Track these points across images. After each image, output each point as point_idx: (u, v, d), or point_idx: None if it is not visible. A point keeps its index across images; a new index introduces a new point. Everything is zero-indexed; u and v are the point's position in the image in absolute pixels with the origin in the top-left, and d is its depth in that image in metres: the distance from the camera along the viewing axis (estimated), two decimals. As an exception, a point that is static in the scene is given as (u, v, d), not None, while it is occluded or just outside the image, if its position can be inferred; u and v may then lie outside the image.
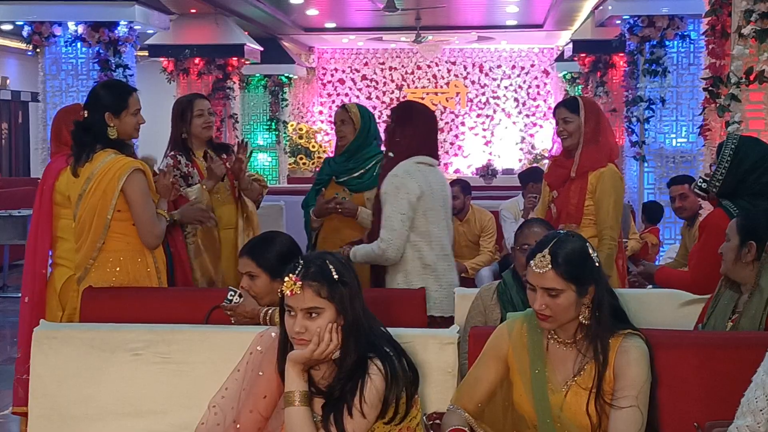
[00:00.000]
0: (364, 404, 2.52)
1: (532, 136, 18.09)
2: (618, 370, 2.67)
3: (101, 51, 9.56)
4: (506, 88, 18.20)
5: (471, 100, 18.27)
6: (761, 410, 2.41)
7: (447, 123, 18.06)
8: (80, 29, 9.57)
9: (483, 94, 18.22)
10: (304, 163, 16.68)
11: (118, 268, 3.93)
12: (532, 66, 18.18)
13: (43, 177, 4.36)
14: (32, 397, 3.24)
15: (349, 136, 4.90)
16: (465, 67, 18.25)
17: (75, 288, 3.99)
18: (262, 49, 13.23)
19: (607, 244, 4.41)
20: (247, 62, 12.83)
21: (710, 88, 5.99)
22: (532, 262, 2.70)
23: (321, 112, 18.17)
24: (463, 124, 18.21)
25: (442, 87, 18.30)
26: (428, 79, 18.34)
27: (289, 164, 16.44)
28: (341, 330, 2.56)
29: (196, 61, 12.35)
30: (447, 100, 18.18)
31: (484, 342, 2.87)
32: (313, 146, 16.98)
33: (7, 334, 7.89)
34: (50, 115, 9.37)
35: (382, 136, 4.57)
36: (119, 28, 9.56)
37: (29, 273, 4.27)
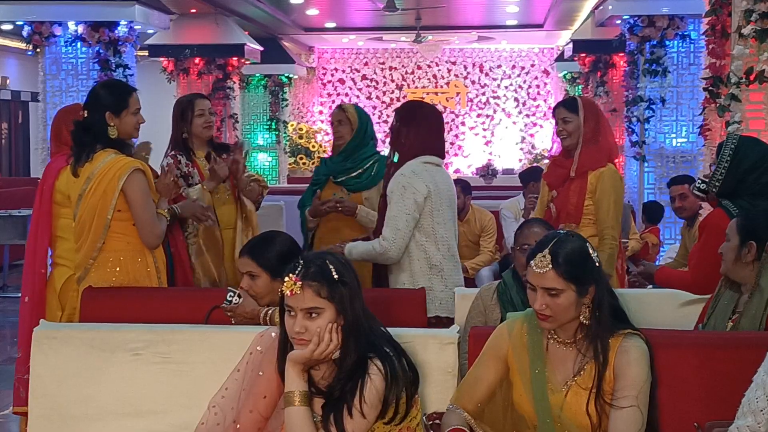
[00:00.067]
0: (363, 404, 2.52)
1: (532, 136, 18.09)
2: (618, 370, 2.67)
3: (101, 51, 9.56)
4: (506, 88, 18.20)
5: (471, 100, 18.28)
6: (762, 410, 2.40)
7: (447, 123, 18.00)
8: (80, 29, 9.56)
9: (483, 94, 18.22)
10: (304, 163, 16.68)
11: (118, 268, 3.93)
12: (532, 66, 18.18)
13: (43, 177, 4.36)
14: (32, 397, 3.24)
15: (347, 137, 4.91)
16: (465, 67, 18.25)
17: (75, 288, 3.99)
18: (262, 49, 13.23)
19: (609, 244, 4.41)
20: (247, 62, 12.83)
21: (710, 88, 5.99)
22: (532, 261, 2.70)
23: (321, 112, 18.16)
24: (463, 124, 18.22)
25: (442, 87, 18.30)
26: (428, 79, 18.34)
27: (289, 164, 16.45)
28: (341, 330, 2.56)
29: (196, 61, 12.35)
30: (447, 100, 18.17)
31: (484, 342, 2.87)
32: (313, 146, 16.98)
33: (7, 334, 7.89)
34: (50, 115, 9.37)
35: (380, 135, 4.56)
36: (119, 28, 9.55)
37: (29, 273, 4.27)
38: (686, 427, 2.83)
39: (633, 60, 9.76)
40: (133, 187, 3.88)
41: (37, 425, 3.22)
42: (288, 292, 2.53)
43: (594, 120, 4.52)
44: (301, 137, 17.01)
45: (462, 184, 6.82)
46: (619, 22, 9.96)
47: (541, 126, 18.00)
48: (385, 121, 17.89)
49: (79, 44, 9.64)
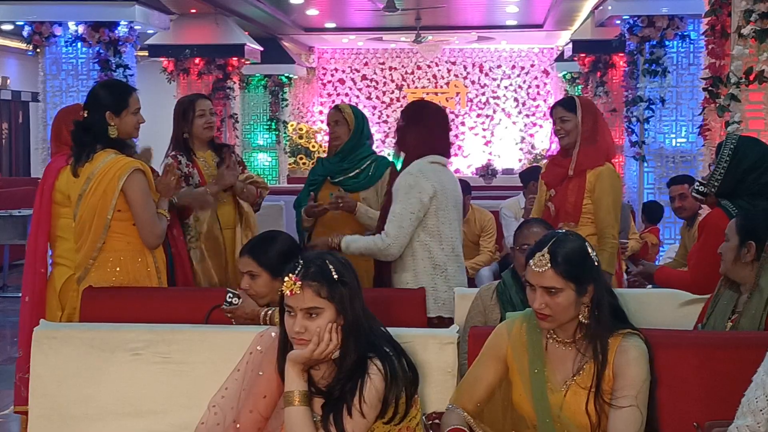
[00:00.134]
0: (363, 404, 2.52)
1: (532, 136, 18.09)
2: (617, 369, 2.67)
3: (101, 51, 9.56)
4: (506, 88, 18.20)
5: (471, 100, 18.28)
6: (761, 410, 2.41)
7: (447, 123, 18.04)
8: (80, 29, 9.56)
9: (483, 94, 18.22)
10: (304, 163, 16.67)
11: (118, 268, 3.94)
12: (532, 66, 18.18)
13: (43, 176, 4.37)
14: (32, 397, 3.24)
15: (343, 137, 4.91)
16: (465, 67, 18.25)
17: (75, 288, 4.00)
18: (262, 49, 13.23)
19: (609, 243, 4.42)
20: (247, 62, 12.83)
21: (710, 88, 5.98)
22: (531, 261, 2.70)
23: (321, 112, 18.14)
24: (463, 124, 18.20)
25: (442, 87, 18.30)
26: (428, 79, 18.34)
27: (289, 164, 16.45)
28: (341, 330, 2.56)
29: (196, 61, 12.35)
30: (447, 100, 18.16)
31: (483, 342, 2.88)
32: (313, 146, 16.98)
33: (7, 334, 7.89)
34: (50, 115, 9.37)
35: (380, 136, 4.57)
36: (119, 28, 9.55)
37: (29, 272, 4.27)
38: (686, 427, 2.83)
39: (633, 60, 9.75)
40: (133, 187, 3.89)
41: (37, 425, 3.22)
42: (288, 292, 2.53)
43: (592, 119, 4.53)
44: (301, 137, 17.01)
45: (462, 184, 6.80)
46: (618, 22, 9.96)
47: (540, 126, 18.00)
48: (385, 121, 17.90)
49: (79, 44, 9.64)
